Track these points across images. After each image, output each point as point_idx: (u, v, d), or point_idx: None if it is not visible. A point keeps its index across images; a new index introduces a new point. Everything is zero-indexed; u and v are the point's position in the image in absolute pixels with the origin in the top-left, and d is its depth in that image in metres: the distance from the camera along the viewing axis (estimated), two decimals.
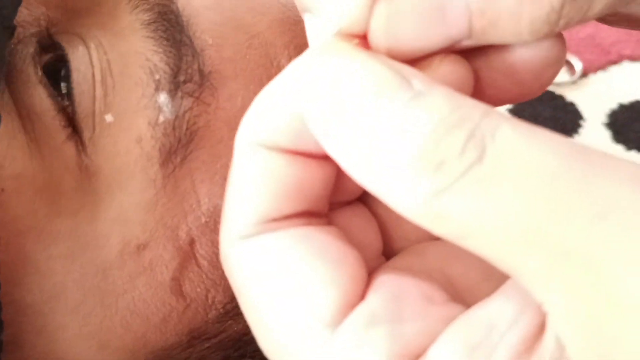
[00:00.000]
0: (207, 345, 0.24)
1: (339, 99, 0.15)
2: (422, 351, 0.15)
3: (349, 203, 0.19)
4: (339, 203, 0.19)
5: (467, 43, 0.16)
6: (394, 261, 0.19)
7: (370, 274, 0.17)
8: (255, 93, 0.23)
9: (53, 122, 0.21)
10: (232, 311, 0.24)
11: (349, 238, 0.18)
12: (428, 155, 0.14)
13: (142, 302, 0.22)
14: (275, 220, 0.17)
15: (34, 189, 0.20)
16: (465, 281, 0.18)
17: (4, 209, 0.19)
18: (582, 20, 0.17)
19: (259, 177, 0.17)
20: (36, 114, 0.21)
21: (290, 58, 0.24)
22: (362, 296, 0.16)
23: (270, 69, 0.24)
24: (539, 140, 0.14)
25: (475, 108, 0.15)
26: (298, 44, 0.25)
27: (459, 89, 0.16)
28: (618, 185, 0.14)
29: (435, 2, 0.16)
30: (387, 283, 0.17)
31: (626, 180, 0.14)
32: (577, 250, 0.13)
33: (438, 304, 0.17)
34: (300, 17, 0.26)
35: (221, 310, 0.24)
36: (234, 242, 0.17)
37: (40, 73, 0.21)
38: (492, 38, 0.16)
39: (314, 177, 0.17)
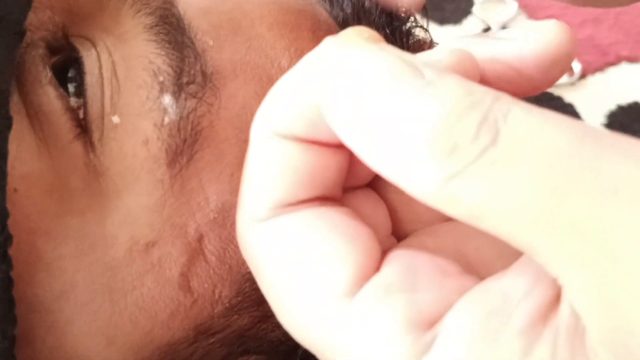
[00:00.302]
0: (212, 340, 0.25)
1: (354, 90, 0.16)
2: (438, 318, 0.16)
3: (360, 188, 0.20)
4: (350, 188, 0.20)
5: None
6: (407, 241, 0.19)
7: (384, 252, 0.18)
8: (256, 93, 0.24)
9: (61, 122, 0.21)
10: (237, 306, 0.24)
11: (361, 218, 0.18)
12: (441, 140, 0.15)
13: (150, 299, 0.22)
14: (290, 204, 0.18)
15: (43, 189, 0.21)
16: (480, 257, 0.18)
17: (16, 209, 0.19)
18: None
19: (275, 164, 0.18)
20: (44, 114, 0.21)
21: (291, 60, 0.25)
22: (376, 269, 0.17)
23: (270, 70, 0.24)
24: (551, 122, 0.15)
25: (487, 93, 0.15)
26: (299, 47, 0.25)
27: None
28: (627, 163, 0.14)
29: None
30: (401, 257, 0.17)
31: (635, 159, 0.14)
32: (589, 226, 0.14)
33: (452, 275, 0.17)
34: (299, 20, 0.26)
35: (227, 305, 0.24)
36: (251, 226, 0.18)
37: (49, 74, 0.21)
38: None
39: (328, 164, 0.18)
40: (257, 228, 0.18)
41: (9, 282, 0.19)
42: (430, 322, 0.16)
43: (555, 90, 0.59)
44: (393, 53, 0.16)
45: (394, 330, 0.16)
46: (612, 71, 0.60)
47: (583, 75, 0.60)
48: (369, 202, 0.20)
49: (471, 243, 0.19)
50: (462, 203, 0.15)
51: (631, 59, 0.61)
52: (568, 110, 0.57)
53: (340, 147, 0.18)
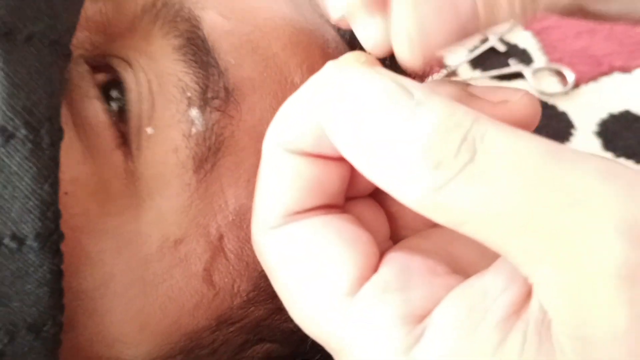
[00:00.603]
0: (231, 329, 0.26)
1: (352, 113, 0.18)
2: (427, 313, 0.18)
3: (361, 197, 0.22)
4: (353, 198, 0.22)
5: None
6: (402, 243, 0.21)
7: (382, 254, 0.20)
8: (272, 106, 0.26)
9: (106, 133, 0.23)
10: (253, 299, 0.26)
11: (362, 224, 0.20)
12: (427, 155, 0.17)
13: (178, 290, 0.24)
14: (298, 212, 0.20)
15: (87, 192, 0.22)
16: (465, 258, 0.20)
17: (65, 209, 0.21)
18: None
19: (285, 177, 0.20)
20: (91, 125, 0.23)
21: (302, 76, 0.27)
22: (375, 269, 0.19)
23: (284, 85, 0.26)
24: (520, 141, 0.17)
25: (467, 114, 0.17)
26: (309, 64, 0.27)
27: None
28: (584, 176, 0.16)
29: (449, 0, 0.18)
30: (396, 258, 0.20)
31: (592, 172, 0.16)
32: (553, 232, 0.16)
33: (441, 275, 0.19)
34: (311, 39, 0.29)
35: (245, 298, 0.26)
36: (264, 232, 0.20)
37: (96, 90, 0.23)
38: (492, 21, 0.19)
39: (332, 176, 0.20)
40: (269, 235, 0.20)
41: (60, 274, 0.21)
42: (421, 317, 0.18)
43: (549, 99, 0.60)
44: (387, 76, 0.18)
45: (390, 324, 0.18)
46: (604, 81, 0.61)
47: (577, 85, 0.61)
48: (369, 209, 0.23)
49: (458, 245, 0.21)
50: (446, 211, 0.17)
51: (624, 69, 0.62)
52: (561, 118, 0.59)
53: (342, 159, 0.20)
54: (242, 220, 0.25)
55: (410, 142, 0.17)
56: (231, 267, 0.25)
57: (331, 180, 0.20)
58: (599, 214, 0.16)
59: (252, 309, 0.27)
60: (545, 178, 0.16)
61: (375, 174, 0.18)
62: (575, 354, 0.16)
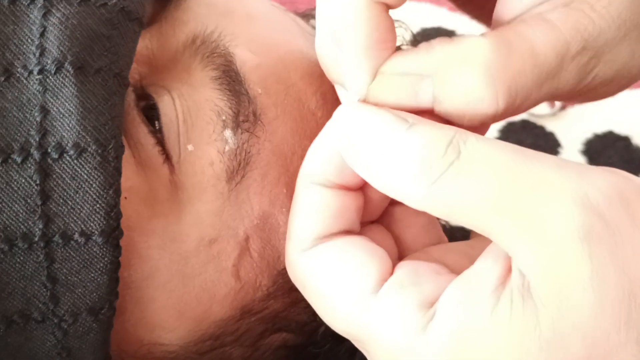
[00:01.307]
0: (253, 319, 0.29)
1: (361, 137, 0.22)
2: (436, 299, 0.22)
3: (372, 223, 0.27)
4: (364, 223, 0.26)
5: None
6: (409, 257, 0.26)
7: (393, 265, 0.24)
8: (292, 128, 0.30)
9: (153, 151, 0.27)
10: (273, 293, 0.29)
11: (375, 243, 0.25)
12: (422, 160, 0.21)
13: (211, 283, 0.27)
14: (325, 237, 0.24)
15: (140, 198, 0.26)
16: (458, 265, 0.24)
17: (122, 212, 0.24)
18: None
19: (314, 207, 0.24)
20: (141, 144, 0.27)
21: (317, 102, 0.30)
22: (391, 273, 0.23)
23: (302, 111, 0.30)
24: (495, 144, 0.21)
25: (450, 128, 0.22)
26: (323, 91, 0.30)
27: None
28: (544, 169, 0.21)
29: (411, 88, 0.23)
30: (407, 264, 0.24)
31: (551, 164, 0.21)
32: (523, 211, 0.20)
33: (443, 274, 0.23)
34: (322, 70, 0.33)
35: (265, 292, 0.29)
36: (298, 254, 0.24)
37: (142, 116, 0.27)
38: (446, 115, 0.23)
39: (351, 205, 0.25)
40: (303, 255, 0.24)
41: (118, 265, 0.24)
42: (431, 303, 0.22)
43: (537, 120, 0.63)
44: (385, 110, 0.23)
45: (408, 310, 0.22)
46: (589, 103, 0.65)
47: (563, 107, 0.64)
48: (379, 233, 0.27)
49: (450, 256, 0.25)
50: (441, 203, 0.21)
51: None
52: (549, 138, 0.62)
53: (358, 190, 0.24)
54: (265, 224, 0.28)
55: (408, 154, 0.21)
56: (255, 265, 0.28)
57: (351, 208, 0.25)
58: (557, 192, 0.20)
59: (271, 301, 0.30)
60: (514, 170, 0.21)
61: (384, 184, 0.22)
62: (552, 305, 0.20)
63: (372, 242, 0.25)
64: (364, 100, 0.24)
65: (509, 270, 0.21)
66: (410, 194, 0.21)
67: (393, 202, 0.27)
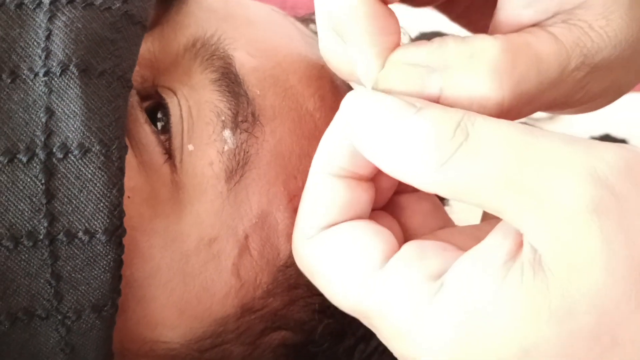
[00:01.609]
0: (253, 317, 0.30)
1: (369, 120, 0.23)
2: (443, 273, 0.22)
3: (379, 210, 0.27)
4: (373, 209, 0.27)
5: None
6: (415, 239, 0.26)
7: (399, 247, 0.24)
8: (289, 129, 0.31)
9: (155, 151, 0.27)
10: (272, 291, 0.30)
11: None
12: (431, 142, 0.21)
13: (211, 282, 0.28)
14: (334, 225, 0.25)
15: (142, 198, 0.26)
16: (465, 246, 0.24)
17: (127, 211, 0.25)
18: None
19: (326, 196, 0.25)
20: (143, 144, 0.27)
21: (315, 104, 0.31)
22: (396, 251, 0.24)
23: (300, 112, 0.30)
24: (502, 124, 0.22)
25: (458, 110, 0.22)
26: (321, 93, 0.31)
27: None
28: (552, 143, 0.21)
29: (420, 79, 0.23)
30: (413, 242, 0.24)
31: (558, 140, 0.21)
32: (534, 187, 0.20)
33: (449, 250, 0.24)
34: (321, 73, 0.33)
35: (265, 289, 0.29)
36: (303, 242, 0.25)
37: (145, 116, 0.27)
38: None
39: (361, 196, 0.25)
40: (310, 242, 0.25)
41: (121, 263, 0.25)
42: (439, 275, 0.22)
43: (535, 124, 0.62)
44: (394, 96, 0.23)
45: (415, 281, 0.22)
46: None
47: None
48: (385, 218, 0.27)
49: (456, 238, 0.26)
50: (451, 184, 0.21)
51: None
52: None
53: (368, 180, 0.25)
54: (264, 222, 0.29)
55: (417, 137, 0.22)
56: (254, 263, 0.29)
57: (361, 200, 0.25)
58: (566, 167, 0.21)
59: (271, 299, 0.30)
60: (523, 147, 0.21)
61: (394, 168, 0.22)
62: (563, 274, 0.20)
63: (378, 224, 0.25)
64: (374, 87, 0.24)
65: (519, 246, 0.21)
66: (420, 176, 0.22)
67: (397, 191, 0.28)
